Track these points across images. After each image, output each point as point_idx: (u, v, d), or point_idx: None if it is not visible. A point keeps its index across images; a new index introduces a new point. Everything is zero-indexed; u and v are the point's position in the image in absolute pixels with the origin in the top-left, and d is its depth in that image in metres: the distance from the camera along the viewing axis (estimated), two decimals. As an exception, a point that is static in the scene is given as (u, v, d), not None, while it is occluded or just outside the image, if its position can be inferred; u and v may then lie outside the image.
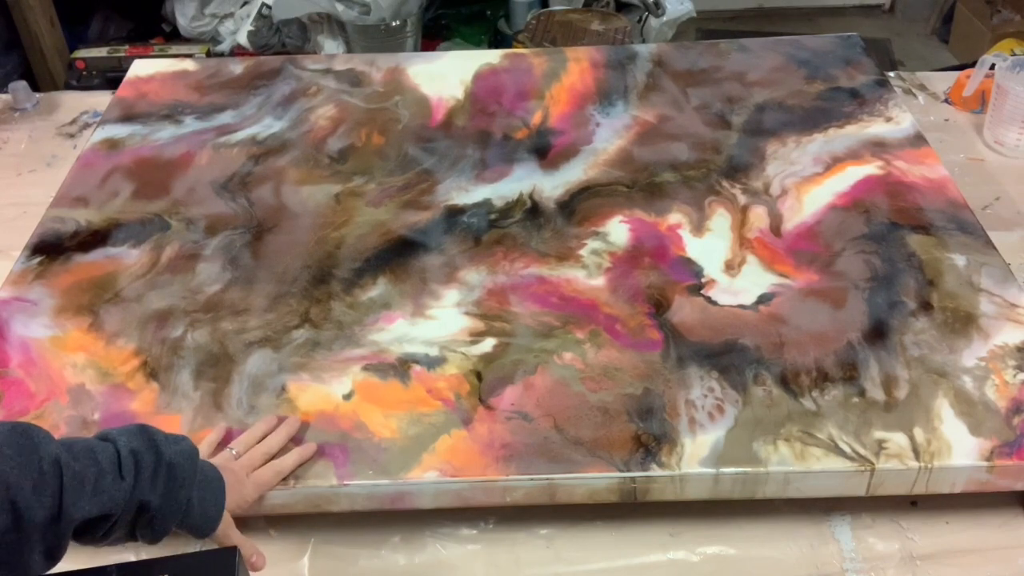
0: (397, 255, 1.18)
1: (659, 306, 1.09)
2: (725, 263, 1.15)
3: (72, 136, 1.55)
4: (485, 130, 1.40)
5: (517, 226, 1.22)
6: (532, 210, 1.24)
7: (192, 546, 0.88)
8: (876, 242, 1.17)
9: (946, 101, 1.58)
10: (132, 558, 0.90)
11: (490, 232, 1.21)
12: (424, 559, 0.94)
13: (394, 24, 2.54)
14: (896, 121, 1.39)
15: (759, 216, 1.22)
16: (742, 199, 1.25)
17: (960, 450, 0.93)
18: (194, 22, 2.68)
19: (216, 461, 0.87)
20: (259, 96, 1.49)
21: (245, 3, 2.68)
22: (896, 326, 1.06)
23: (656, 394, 0.99)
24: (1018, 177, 1.41)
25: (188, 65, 1.57)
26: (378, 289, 1.13)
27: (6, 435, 0.69)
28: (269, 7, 2.61)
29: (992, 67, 1.48)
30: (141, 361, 1.05)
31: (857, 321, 1.06)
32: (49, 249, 1.20)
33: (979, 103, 1.54)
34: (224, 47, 2.67)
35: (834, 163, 1.31)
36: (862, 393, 0.98)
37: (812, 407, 0.97)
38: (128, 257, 1.19)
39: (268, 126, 1.42)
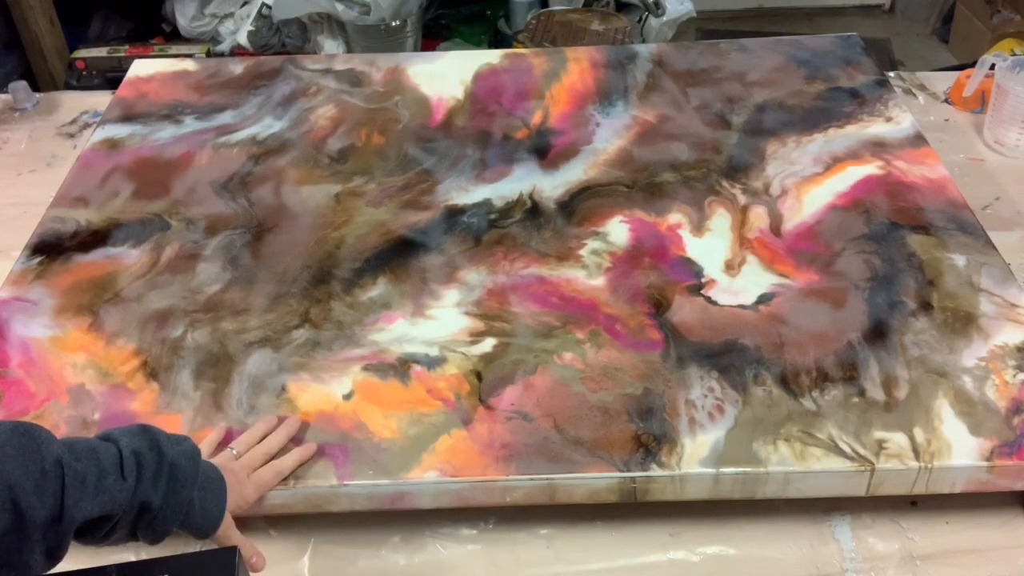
0: (397, 255, 1.18)
1: (659, 306, 1.09)
2: (725, 263, 1.15)
3: (72, 136, 1.55)
4: (485, 130, 1.40)
5: (517, 226, 1.22)
6: (532, 210, 1.24)
7: (192, 546, 0.88)
8: (876, 242, 1.17)
9: (946, 101, 1.58)
10: (132, 558, 0.90)
11: (490, 232, 1.21)
12: (424, 559, 0.94)
13: (394, 24, 2.54)
14: (896, 121, 1.39)
15: (759, 216, 1.22)
16: (742, 199, 1.25)
17: (960, 450, 0.93)
18: (194, 22, 2.67)
19: (217, 461, 0.87)
20: (259, 96, 1.49)
21: (245, 3, 2.67)
22: (896, 326, 1.06)
23: (656, 394, 0.99)
24: (1018, 177, 1.41)
25: (188, 65, 1.57)
26: (378, 289, 1.13)
27: (8, 435, 0.68)
28: (269, 7, 2.61)
29: (992, 67, 1.48)
30: (141, 361, 1.05)
31: (857, 321, 1.06)
32: (49, 249, 1.20)
33: (979, 103, 1.54)
34: (224, 47, 2.67)
35: (834, 163, 1.31)
36: (862, 393, 0.98)
37: (812, 407, 0.97)
38: (128, 257, 1.19)
39: (268, 126, 1.42)
